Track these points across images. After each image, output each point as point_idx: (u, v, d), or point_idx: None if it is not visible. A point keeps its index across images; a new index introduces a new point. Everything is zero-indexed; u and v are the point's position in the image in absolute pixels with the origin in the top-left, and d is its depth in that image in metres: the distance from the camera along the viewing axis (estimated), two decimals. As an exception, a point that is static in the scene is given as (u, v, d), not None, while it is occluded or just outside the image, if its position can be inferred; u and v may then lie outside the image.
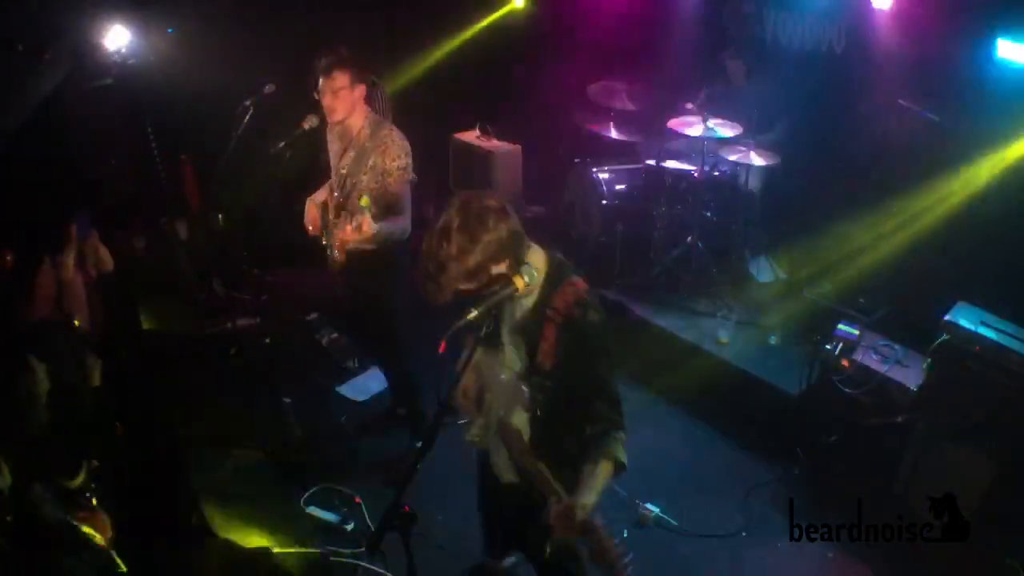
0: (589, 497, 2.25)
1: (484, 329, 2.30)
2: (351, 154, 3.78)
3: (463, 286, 2.28)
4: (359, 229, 3.43)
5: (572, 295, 2.35)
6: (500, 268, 2.28)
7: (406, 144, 3.75)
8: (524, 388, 2.42)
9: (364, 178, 3.74)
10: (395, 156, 3.68)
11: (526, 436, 2.48)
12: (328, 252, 3.96)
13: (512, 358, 2.50)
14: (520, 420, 2.46)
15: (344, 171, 3.80)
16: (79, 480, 3.48)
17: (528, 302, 2.42)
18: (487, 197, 2.31)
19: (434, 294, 2.30)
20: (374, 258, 3.80)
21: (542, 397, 2.40)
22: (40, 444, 3.39)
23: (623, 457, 2.37)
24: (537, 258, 2.40)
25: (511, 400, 2.45)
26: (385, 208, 3.68)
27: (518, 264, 2.29)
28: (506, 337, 2.50)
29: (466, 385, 2.63)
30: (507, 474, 2.63)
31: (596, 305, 2.39)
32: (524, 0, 6.94)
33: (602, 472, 2.32)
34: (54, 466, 3.42)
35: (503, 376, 2.48)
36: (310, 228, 3.97)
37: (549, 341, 2.34)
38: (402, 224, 3.74)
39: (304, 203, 4.02)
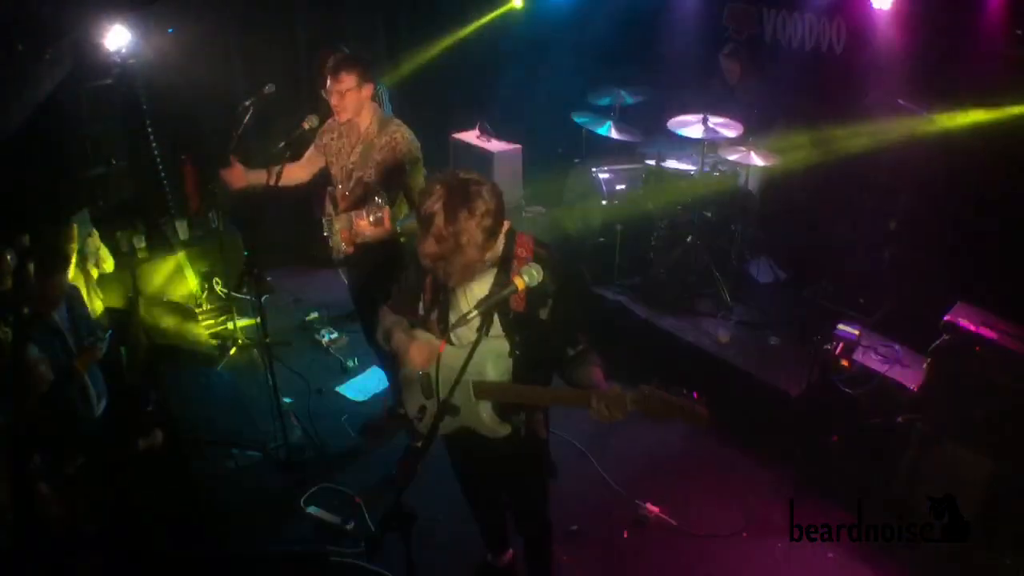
0: (607, 386, 2.37)
1: (483, 329, 2.33)
2: (358, 149, 3.81)
3: (481, 254, 2.34)
4: (380, 223, 3.49)
5: (530, 241, 2.52)
6: (501, 227, 2.40)
7: (415, 140, 3.80)
8: (503, 340, 2.52)
9: (371, 171, 3.76)
10: (405, 151, 3.74)
11: (507, 378, 2.58)
12: (330, 242, 3.97)
13: (471, 325, 2.52)
14: (495, 371, 2.55)
15: (351, 166, 3.83)
16: (76, 466, 3.50)
17: (491, 265, 2.52)
18: (457, 172, 2.37)
19: (458, 272, 2.35)
20: (383, 250, 3.82)
21: (518, 338, 2.52)
22: (41, 431, 3.42)
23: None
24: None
25: (483, 356, 2.49)
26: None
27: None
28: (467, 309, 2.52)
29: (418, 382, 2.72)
30: (500, 428, 2.67)
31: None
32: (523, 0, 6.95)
33: (599, 373, 2.45)
34: (54, 452, 3.44)
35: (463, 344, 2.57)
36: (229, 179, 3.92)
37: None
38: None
39: (302, 203, 4.04)
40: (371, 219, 3.51)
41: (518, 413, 2.67)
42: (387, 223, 3.50)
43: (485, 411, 2.63)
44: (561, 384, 2.63)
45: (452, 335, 2.61)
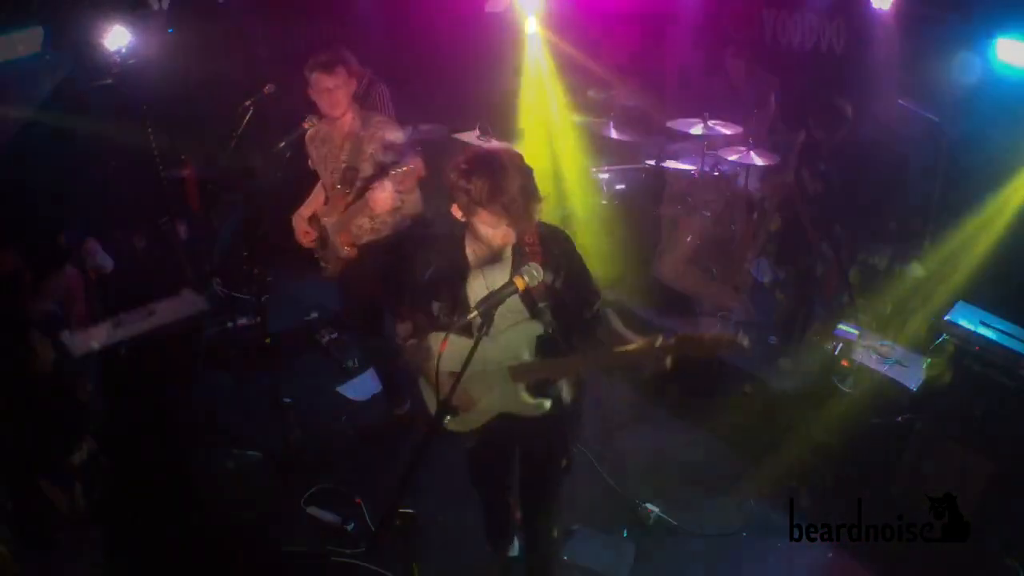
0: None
1: (483, 330, 2.33)
2: (347, 146, 3.82)
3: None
4: (406, 180, 3.60)
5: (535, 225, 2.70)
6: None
7: (398, 127, 3.89)
8: (535, 322, 2.64)
9: (366, 166, 3.77)
10: (394, 139, 3.79)
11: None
12: (321, 263, 3.99)
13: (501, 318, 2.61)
14: (530, 353, 2.70)
15: (343, 165, 3.83)
16: (79, 457, 3.51)
17: (506, 253, 2.68)
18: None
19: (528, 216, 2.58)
20: (386, 246, 3.87)
21: (549, 316, 2.64)
22: (43, 422, 3.43)
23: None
24: None
25: (518, 343, 2.66)
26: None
27: None
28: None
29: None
30: (541, 403, 2.77)
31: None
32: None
33: (621, 327, 2.69)
34: (55, 443, 3.45)
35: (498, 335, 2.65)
36: (304, 241, 4.02)
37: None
38: (414, 199, 3.92)
39: (302, 203, 4.04)
40: (393, 184, 3.53)
41: (552, 386, 2.77)
42: (412, 181, 3.67)
43: (524, 392, 2.73)
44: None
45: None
